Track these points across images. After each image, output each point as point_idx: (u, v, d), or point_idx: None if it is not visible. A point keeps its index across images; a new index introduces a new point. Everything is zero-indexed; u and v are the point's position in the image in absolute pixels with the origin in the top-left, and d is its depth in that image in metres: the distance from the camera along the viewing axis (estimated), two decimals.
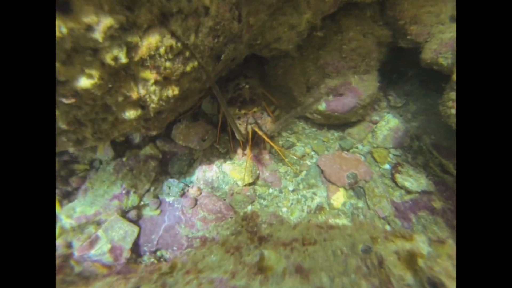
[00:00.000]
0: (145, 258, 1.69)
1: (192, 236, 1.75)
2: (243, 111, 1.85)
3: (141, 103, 1.15)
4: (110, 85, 0.99)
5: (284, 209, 2.08)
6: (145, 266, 1.62)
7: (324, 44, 2.03)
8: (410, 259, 0.78)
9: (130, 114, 1.13)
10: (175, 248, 1.71)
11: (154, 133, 1.57)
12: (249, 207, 2.05)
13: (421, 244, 0.82)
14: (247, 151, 1.92)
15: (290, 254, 0.88)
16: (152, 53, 0.96)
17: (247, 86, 1.90)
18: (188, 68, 1.13)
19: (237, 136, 1.63)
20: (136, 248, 1.69)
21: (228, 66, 1.58)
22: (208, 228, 1.78)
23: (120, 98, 1.05)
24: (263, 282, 0.77)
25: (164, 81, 1.10)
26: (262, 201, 2.10)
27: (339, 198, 2.11)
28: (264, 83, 2.45)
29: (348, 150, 2.44)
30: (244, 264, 0.84)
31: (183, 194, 1.93)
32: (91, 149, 1.88)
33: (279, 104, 2.41)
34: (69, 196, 1.86)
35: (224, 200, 2.00)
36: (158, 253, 1.75)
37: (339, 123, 2.42)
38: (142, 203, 1.85)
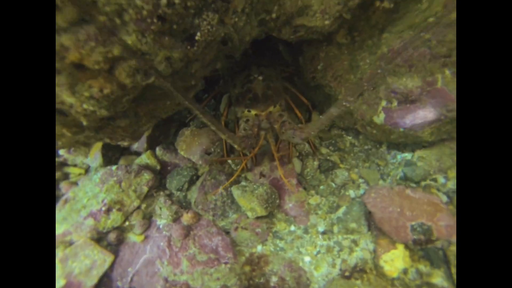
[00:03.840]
0: None
1: (172, 279, 1.33)
2: (253, 112, 1.32)
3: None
4: None
5: (307, 259, 1.48)
6: None
7: (392, 20, 1.32)
8: None
9: None
10: None
11: (126, 143, 1.19)
12: (259, 247, 1.52)
13: None
14: (253, 165, 1.39)
15: None
16: None
17: (260, 78, 1.37)
18: (116, 51, 0.68)
19: (231, 142, 1.13)
20: (108, 282, 1.37)
21: (223, 53, 1.07)
22: (194, 273, 1.33)
23: None
24: None
25: (78, 70, 0.68)
26: (278, 241, 1.54)
27: (395, 260, 1.38)
28: (300, 83, 1.85)
29: (417, 183, 1.65)
30: None
31: (176, 219, 1.53)
32: (83, 152, 1.65)
33: (308, 104, 1.78)
34: (56, 202, 1.66)
35: (227, 233, 1.52)
36: None
37: (405, 141, 1.65)
38: (127, 223, 1.52)
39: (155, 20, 0.70)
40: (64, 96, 0.70)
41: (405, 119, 1.43)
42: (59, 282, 1.20)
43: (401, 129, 1.47)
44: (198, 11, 0.79)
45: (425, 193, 1.51)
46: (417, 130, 1.46)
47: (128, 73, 0.74)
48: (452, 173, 1.64)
